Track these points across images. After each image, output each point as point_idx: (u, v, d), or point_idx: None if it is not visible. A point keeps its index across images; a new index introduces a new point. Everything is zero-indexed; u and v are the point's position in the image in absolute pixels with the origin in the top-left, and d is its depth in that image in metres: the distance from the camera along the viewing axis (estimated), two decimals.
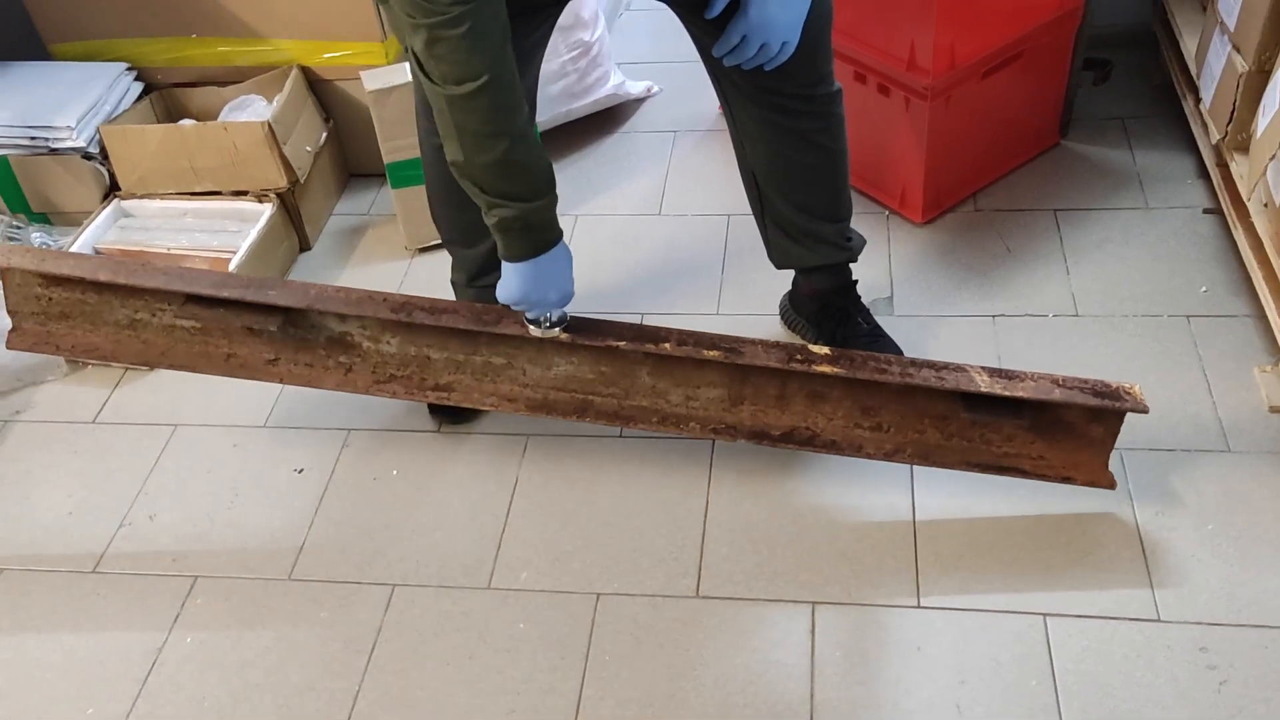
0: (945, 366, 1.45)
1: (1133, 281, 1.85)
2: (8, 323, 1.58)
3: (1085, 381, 1.44)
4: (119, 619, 1.54)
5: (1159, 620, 1.37)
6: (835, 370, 1.43)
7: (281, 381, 1.55)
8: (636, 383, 1.51)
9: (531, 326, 1.45)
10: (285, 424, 1.80)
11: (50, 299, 1.54)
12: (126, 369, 1.93)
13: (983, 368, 1.46)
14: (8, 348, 1.59)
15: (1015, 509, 1.52)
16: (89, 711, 1.43)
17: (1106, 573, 1.43)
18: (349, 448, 1.74)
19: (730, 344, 1.46)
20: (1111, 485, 1.48)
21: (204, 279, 1.51)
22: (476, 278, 1.73)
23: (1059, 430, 1.47)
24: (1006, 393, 1.41)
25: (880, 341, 1.71)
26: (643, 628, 1.44)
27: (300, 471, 1.72)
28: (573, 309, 1.92)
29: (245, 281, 1.51)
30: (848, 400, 1.49)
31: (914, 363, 1.46)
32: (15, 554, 1.64)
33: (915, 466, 1.59)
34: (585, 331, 1.45)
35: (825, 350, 1.47)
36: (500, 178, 1.29)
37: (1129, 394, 1.42)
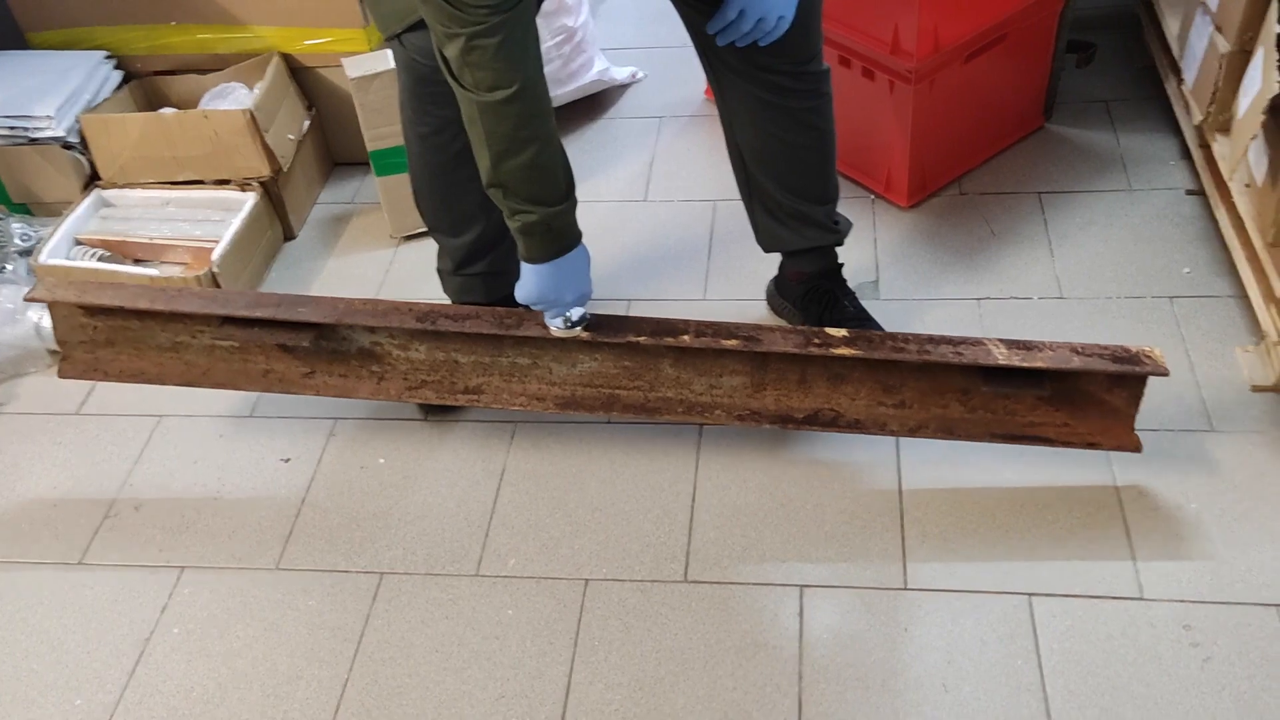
0: (963, 341, 1.45)
1: (1116, 263, 1.85)
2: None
3: (1104, 348, 1.44)
4: (106, 610, 1.53)
5: (1142, 599, 1.38)
6: (853, 352, 1.45)
7: (318, 393, 1.60)
8: (660, 374, 1.54)
9: (553, 326, 1.47)
10: (271, 414, 1.79)
11: (95, 327, 1.61)
12: None
13: (1000, 340, 1.46)
14: (59, 377, 1.65)
15: (1002, 492, 1.53)
16: (77, 702, 1.43)
17: (1091, 552, 1.44)
18: (335, 437, 1.74)
19: (748, 332, 1.48)
20: (1137, 448, 1.48)
21: (237, 300, 1.56)
22: (462, 266, 1.73)
23: (1081, 398, 1.47)
24: (1025, 364, 1.42)
25: (866, 325, 1.72)
26: (631, 612, 1.45)
27: (287, 461, 1.71)
28: None
29: (276, 300, 1.56)
30: (869, 380, 1.50)
31: (931, 339, 1.46)
32: (1, 547, 1.64)
33: (903, 447, 1.60)
34: (605, 329, 1.48)
35: (842, 333, 1.48)
36: (527, 181, 1.31)
37: (1149, 358, 1.43)
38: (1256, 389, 1.61)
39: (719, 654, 1.39)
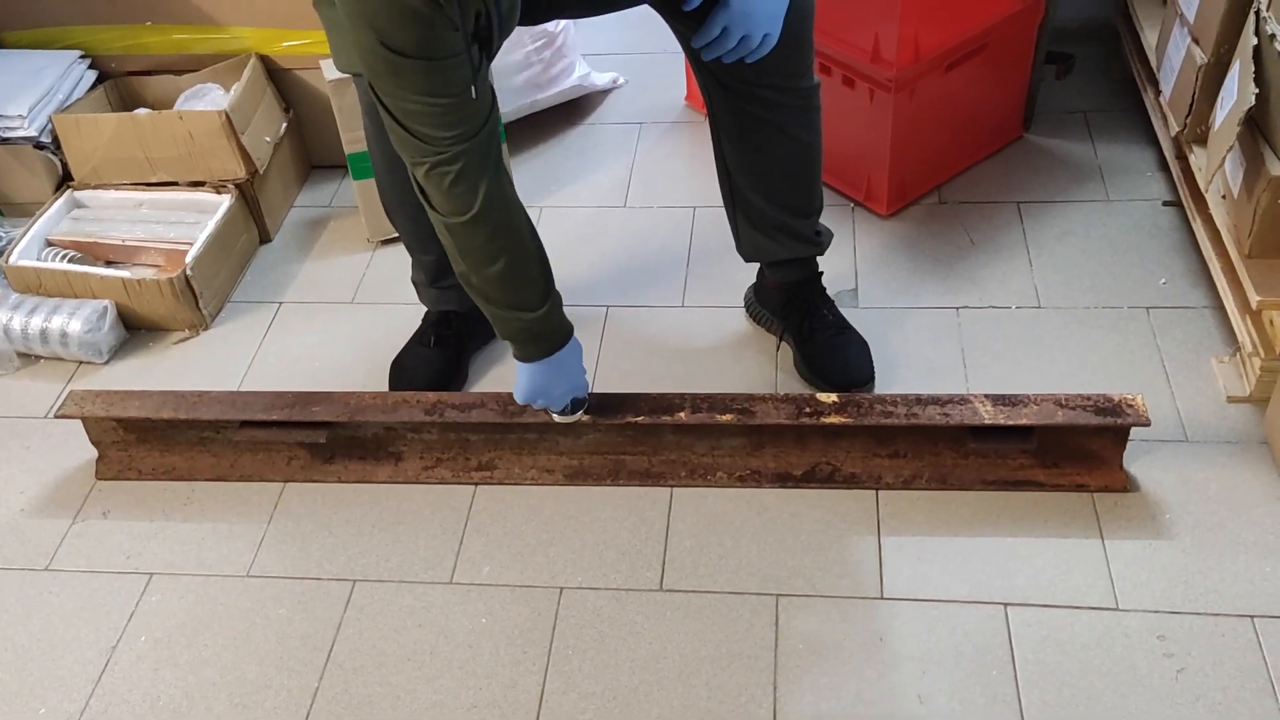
0: (950, 400, 1.50)
1: (1094, 273, 1.86)
2: None
3: (1088, 398, 1.48)
4: (72, 617, 1.51)
5: (1117, 609, 1.38)
6: (843, 420, 1.50)
7: (340, 480, 1.65)
8: (663, 440, 1.59)
9: (554, 413, 1.53)
10: None
11: (126, 429, 1.67)
12: (80, 364, 1.90)
13: (986, 396, 1.50)
14: (97, 478, 1.69)
15: (978, 501, 1.53)
16: (41, 711, 1.40)
17: (1067, 562, 1.44)
18: None
19: (742, 404, 1.54)
20: (1124, 488, 1.51)
21: (254, 403, 1.62)
22: (437, 280, 1.72)
23: (1067, 447, 1.51)
24: (1010, 422, 1.47)
25: (845, 334, 1.71)
26: (606, 621, 1.44)
27: None
28: None
29: (290, 400, 1.61)
30: (863, 433, 1.54)
31: (919, 399, 1.51)
32: None
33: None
34: (605, 410, 1.55)
35: (832, 398, 1.53)
36: (502, 289, 1.35)
37: (1130, 407, 1.47)
38: (1231, 400, 1.62)
39: (694, 663, 1.38)
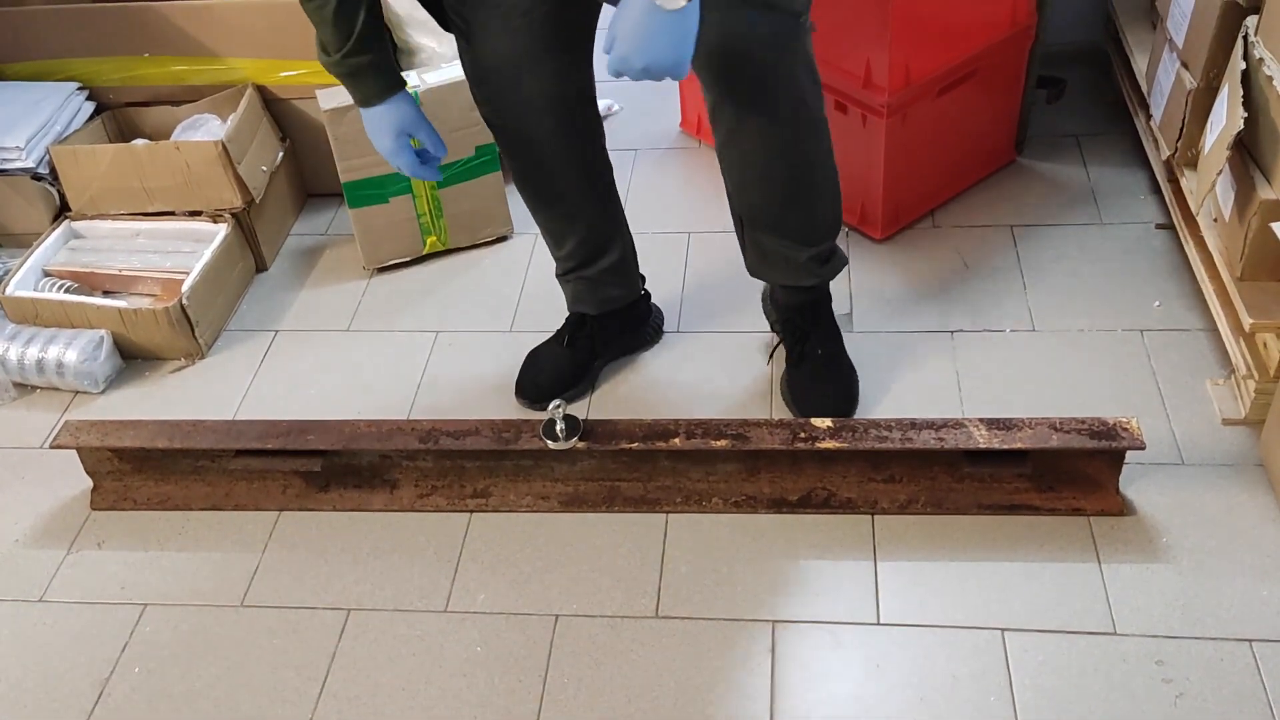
0: (944, 424, 1.49)
1: (1088, 296, 1.86)
2: None
3: (1082, 422, 1.47)
4: (66, 649, 1.50)
5: (1115, 634, 1.37)
6: (838, 445, 1.49)
7: (335, 508, 1.65)
8: (658, 465, 1.59)
9: (548, 441, 1.52)
10: None
11: (120, 458, 1.67)
12: (76, 393, 1.90)
13: (980, 420, 1.49)
14: (92, 508, 1.69)
15: (975, 525, 1.53)
16: None
17: (1064, 586, 1.43)
18: None
19: (736, 429, 1.53)
20: (1120, 512, 1.50)
21: (249, 431, 1.61)
22: (566, 274, 1.74)
23: (1063, 470, 1.51)
24: (1005, 446, 1.46)
25: (830, 368, 1.70)
26: (601, 649, 1.43)
27: None
28: (536, 325, 1.91)
29: (285, 429, 1.61)
30: (858, 458, 1.54)
31: (914, 424, 1.50)
32: None
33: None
34: (599, 436, 1.54)
35: (827, 423, 1.52)
36: (316, 22, 1.37)
37: (1126, 430, 1.46)
38: (1227, 422, 1.62)
39: (690, 691, 1.37)
